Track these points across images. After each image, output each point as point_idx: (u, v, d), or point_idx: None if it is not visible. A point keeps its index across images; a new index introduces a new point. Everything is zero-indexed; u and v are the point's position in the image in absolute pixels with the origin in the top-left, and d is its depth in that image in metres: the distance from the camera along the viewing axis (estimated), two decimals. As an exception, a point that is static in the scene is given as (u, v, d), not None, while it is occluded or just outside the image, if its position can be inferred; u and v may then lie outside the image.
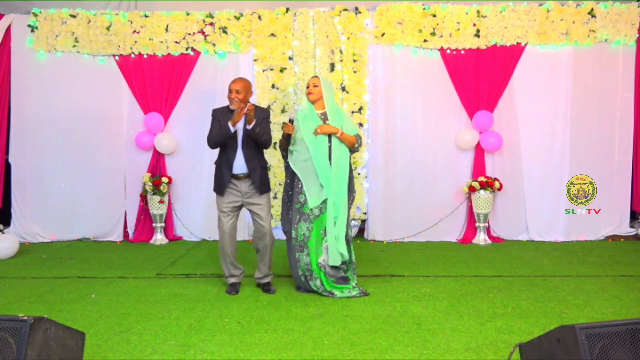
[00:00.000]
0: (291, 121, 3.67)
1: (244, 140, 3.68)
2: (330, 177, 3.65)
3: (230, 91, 3.63)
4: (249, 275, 4.03)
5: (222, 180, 3.70)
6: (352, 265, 3.79)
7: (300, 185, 3.71)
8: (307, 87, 3.77)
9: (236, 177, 3.69)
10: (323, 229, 3.68)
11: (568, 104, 5.53)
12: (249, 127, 3.59)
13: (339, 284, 3.69)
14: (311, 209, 3.67)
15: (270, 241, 3.80)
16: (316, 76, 3.84)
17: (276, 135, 5.47)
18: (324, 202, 3.66)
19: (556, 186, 5.53)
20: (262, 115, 3.72)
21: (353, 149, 3.79)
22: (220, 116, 3.68)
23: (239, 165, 3.68)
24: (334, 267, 3.70)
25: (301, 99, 5.48)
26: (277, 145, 5.40)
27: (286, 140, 3.76)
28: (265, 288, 3.81)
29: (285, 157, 3.88)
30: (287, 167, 3.84)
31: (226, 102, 3.73)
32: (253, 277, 3.94)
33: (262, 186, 3.74)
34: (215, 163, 3.81)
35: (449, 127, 5.61)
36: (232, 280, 3.81)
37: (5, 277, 4.29)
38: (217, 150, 3.81)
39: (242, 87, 3.64)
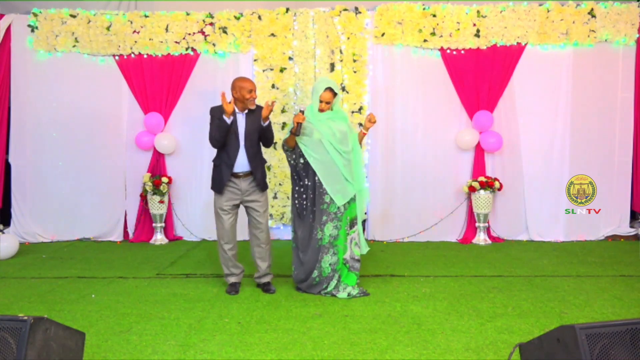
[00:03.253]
0: (302, 112, 3.62)
1: (246, 139, 3.68)
2: (353, 173, 3.75)
3: (249, 91, 3.64)
4: (249, 275, 4.03)
5: (222, 179, 3.69)
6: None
7: (324, 186, 3.67)
8: (322, 102, 3.65)
9: (236, 175, 3.69)
10: (347, 225, 3.73)
11: (568, 104, 5.53)
12: (264, 124, 3.66)
13: (357, 276, 3.79)
14: (338, 207, 3.67)
15: (268, 238, 3.83)
16: (330, 89, 3.65)
17: (276, 135, 5.46)
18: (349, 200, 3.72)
19: (556, 186, 5.53)
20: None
21: None
22: (220, 115, 3.68)
23: (241, 163, 3.69)
24: (357, 260, 3.80)
25: (302, 100, 5.48)
26: (279, 145, 5.42)
27: (296, 131, 3.58)
28: (265, 288, 3.81)
29: (289, 156, 3.80)
30: (300, 170, 3.74)
31: (220, 102, 3.74)
32: (253, 277, 3.94)
33: (263, 184, 3.79)
34: (214, 162, 3.79)
35: (449, 127, 5.61)
36: (232, 279, 3.81)
37: (5, 277, 4.29)
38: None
39: (255, 87, 3.72)
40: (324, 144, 3.65)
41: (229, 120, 3.58)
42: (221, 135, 3.62)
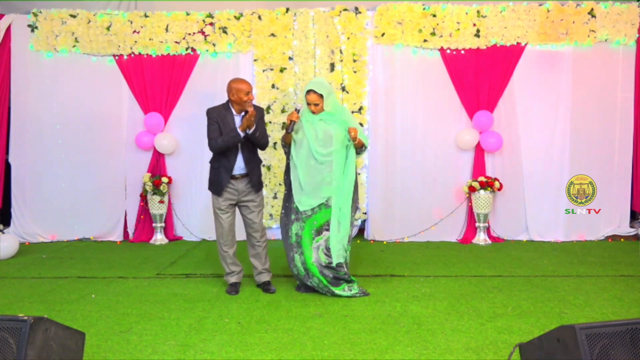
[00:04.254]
0: (297, 110, 3.63)
1: (243, 143, 3.68)
2: (340, 179, 3.66)
3: (247, 93, 3.61)
4: (249, 275, 4.03)
5: (221, 182, 3.69)
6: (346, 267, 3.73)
7: (296, 184, 3.69)
8: (309, 105, 3.66)
9: (234, 177, 3.70)
10: (314, 229, 3.65)
11: (568, 104, 5.52)
12: (249, 131, 3.59)
13: (332, 285, 3.64)
14: (304, 210, 3.66)
15: (264, 237, 3.85)
16: (313, 91, 3.62)
17: (276, 135, 5.48)
18: (320, 205, 3.64)
19: (556, 186, 5.53)
20: (258, 115, 3.69)
21: (360, 151, 3.78)
22: (218, 117, 3.65)
23: (239, 166, 3.70)
24: (327, 267, 3.64)
25: (302, 100, 5.47)
26: (279, 145, 5.42)
27: (290, 129, 3.63)
28: (265, 288, 3.82)
29: (287, 153, 3.85)
30: (288, 166, 3.82)
31: (220, 102, 3.74)
32: (252, 276, 3.94)
33: (259, 184, 3.81)
34: (211, 163, 3.79)
35: (449, 127, 5.61)
36: (232, 279, 3.82)
37: (5, 277, 4.29)
38: None
39: (251, 89, 3.68)
40: (303, 145, 3.67)
41: (242, 135, 3.58)
42: (229, 147, 3.62)
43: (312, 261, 3.65)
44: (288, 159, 3.84)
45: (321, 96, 3.64)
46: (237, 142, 3.61)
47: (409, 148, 5.62)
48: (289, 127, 3.64)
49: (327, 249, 3.64)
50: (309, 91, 3.64)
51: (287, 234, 3.74)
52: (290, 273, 3.90)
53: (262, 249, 3.87)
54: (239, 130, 3.57)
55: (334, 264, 3.61)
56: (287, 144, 3.80)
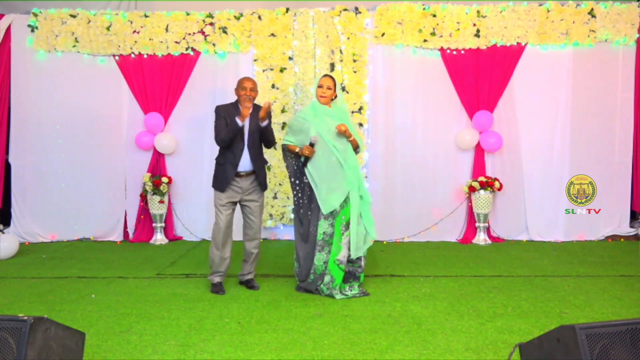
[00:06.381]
0: (312, 145, 3.64)
1: (250, 139, 3.72)
2: (352, 170, 3.70)
3: (244, 89, 3.68)
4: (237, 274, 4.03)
5: (226, 177, 3.71)
6: (362, 266, 3.81)
7: (322, 185, 3.68)
8: (320, 87, 3.71)
9: (239, 174, 3.72)
10: (342, 225, 3.67)
11: (568, 104, 5.53)
12: (263, 124, 3.67)
13: (348, 281, 3.71)
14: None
15: (258, 238, 3.90)
16: (329, 76, 3.76)
17: (276, 135, 5.46)
18: (345, 200, 3.67)
19: (556, 186, 5.54)
20: (255, 111, 3.75)
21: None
22: (226, 113, 3.71)
23: (245, 163, 3.73)
24: (350, 262, 3.72)
25: (302, 100, 5.48)
26: (279, 145, 5.42)
27: (304, 164, 3.71)
28: (250, 285, 3.88)
29: (288, 156, 3.85)
30: (297, 169, 3.80)
31: (228, 100, 3.75)
32: (244, 274, 3.96)
33: (264, 184, 3.84)
34: (217, 160, 3.82)
35: (449, 127, 5.61)
36: (217, 279, 3.84)
37: (5, 277, 4.29)
38: (217, 147, 3.82)
39: (255, 86, 3.76)
40: (319, 144, 3.66)
41: (240, 124, 3.62)
42: (230, 137, 3.66)
43: (336, 258, 3.66)
44: (291, 160, 3.84)
45: (334, 81, 3.72)
46: (236, 129, 3.63)
47: (409, 148, 5.62)
48: (304, 162, 3.69)
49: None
50: (324, 76, 3.75)
51: (313, 234, 3.69)
52: (292, 273, 3.90)
53: (256, 251, 3.90)
54: (238, 120, 3.61)
55: (353, 257, 3.69)
56: (290, 150, 3.81)
